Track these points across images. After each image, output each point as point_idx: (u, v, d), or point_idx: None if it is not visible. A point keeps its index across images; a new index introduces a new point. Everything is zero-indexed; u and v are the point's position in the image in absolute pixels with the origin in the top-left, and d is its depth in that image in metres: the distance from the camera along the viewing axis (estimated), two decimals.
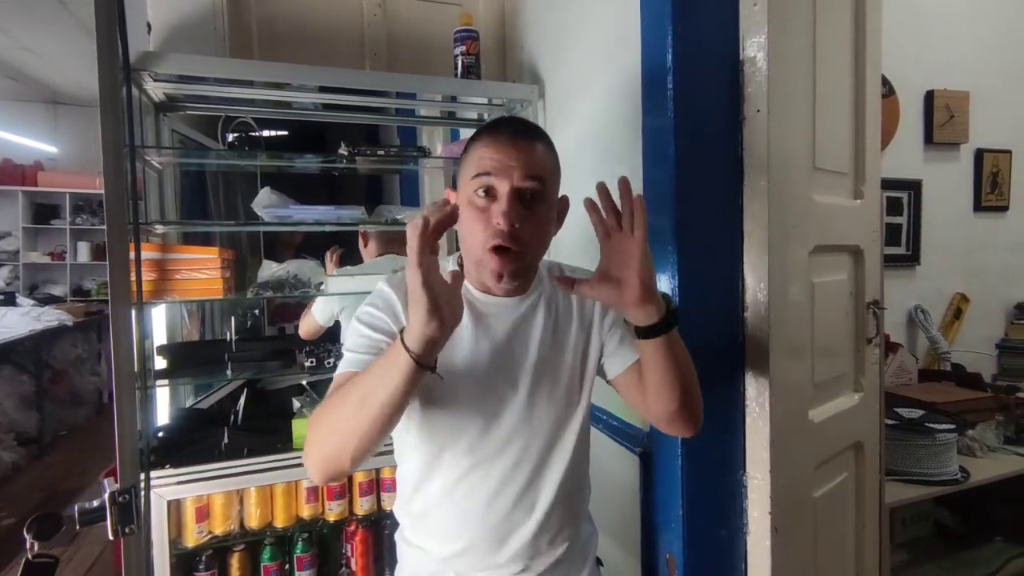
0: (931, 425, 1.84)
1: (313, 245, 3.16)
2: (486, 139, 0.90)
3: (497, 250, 0.86)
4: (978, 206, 2.56)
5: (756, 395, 1.19)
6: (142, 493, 0.94)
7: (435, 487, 0.96)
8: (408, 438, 0.99)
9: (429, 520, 0.99)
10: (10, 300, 4.88)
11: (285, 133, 3.77)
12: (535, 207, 0.89)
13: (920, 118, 2.47)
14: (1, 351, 4.03)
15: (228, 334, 1.61)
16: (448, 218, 0.72)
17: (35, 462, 4.16)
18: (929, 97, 2.46)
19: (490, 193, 0.87)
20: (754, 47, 1.15)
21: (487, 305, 0.97)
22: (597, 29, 1.44)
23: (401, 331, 0.74)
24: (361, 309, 0.97)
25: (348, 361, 0.90)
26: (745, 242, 1.19)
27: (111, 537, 0.93)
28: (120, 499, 0.93)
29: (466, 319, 0.94)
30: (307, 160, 1.71)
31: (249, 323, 2.67)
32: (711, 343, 1.19)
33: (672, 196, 1.14)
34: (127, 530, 0.93)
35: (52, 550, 1.05)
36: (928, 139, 2.47)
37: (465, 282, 0.97)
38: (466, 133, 1.99)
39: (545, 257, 1.05)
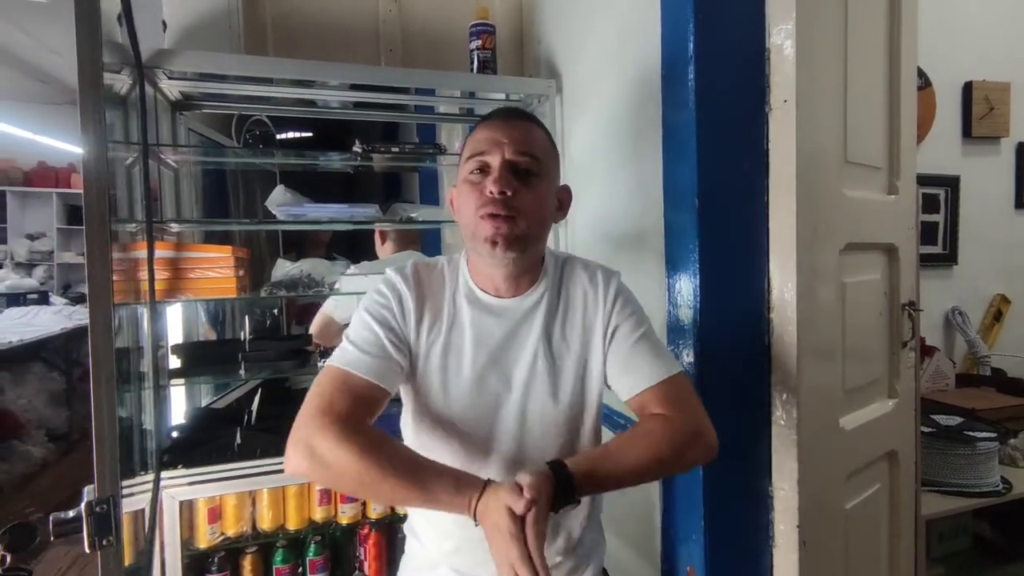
0: (970, 433, 1.75)
1: (341, 243, 3.17)
2: (479, 125, 0.93)
3: (489, 216, 0.86)
4: (1019, 203, 2.43)
5: (783, 402, 1.12)
6: (122, 502, 0.88)
7: None
8: (407, 429, 1.00)
9: (429, 520, 0.99)
10: (43, 299, 5.00)
11: (310, 134, 3.79)
12: (529, 181, 0.89)
13: (958, 111, 2.36)
14: (33, 348, 4.12)
15: (242, 334, 1.59)
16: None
17: (63, 458, 4.25)
18: (967, 89, 2.34)
19: (484, 170, 0.88)
20: (781, 34, 1.09)
21: (489, 305, 0.95)
22: (616, 20, 1.39)
23: (485, 486, 0.79)
24: (370, 297, 0.96)
25: (352, 357, 0.88)
26: (771, 240, 1.13)
27: (87, 550, 0.87)
28: (98, 509, 0.86)
29: (467, 320, 0.94)
30: (321, 158, 1.69)
31: (268, 322, 2.67)
32: (735, 347, 1.13)
33: (694, 192, 1.09)
34: (104, 542, 0.85)
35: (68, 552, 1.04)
36: (966, 133, 2.36)
37: (470, 281, 0.97)
38: None
39: (559, 251, 1.03)
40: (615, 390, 0.97)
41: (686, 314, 1.14)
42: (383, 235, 2.13)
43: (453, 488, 0.78)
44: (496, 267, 0.92)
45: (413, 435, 0.98)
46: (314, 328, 1.84)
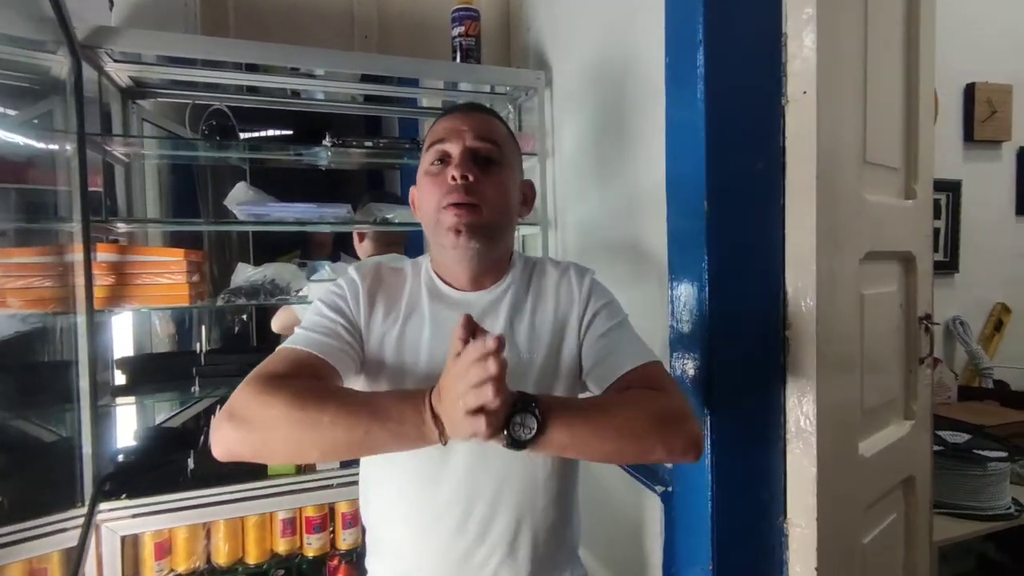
0: (981, 452, 1.65)
1: (349, 243, 2.99)
2: (438, 120, 0.90)
3: (452, 205, 0.82)
4: (1021, 209, 2.36)
5: (800, 429, 1.01)
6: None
7: (385, 499, 0.90)
8: None
9: (383, 538, 0.92)
10: None
11: (290, 132, 3.60)
12: (491, 169, 0.85)
13: (959, 114, 2.27)
14: None
15: (199, 345, 1.43)
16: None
17: None
18: (969, 91, 2.26)
19: (444, 159, 0.85)
20: (801, 19, 0.97)
21: (449, 297, 0.90)
22: (612, 3, 1.26)
23: (430, 394, 0.69)
24: (327, 288, 0.93)
25: (301, 338, 0.83)
26: (787, 248, 1.01)
27: None
28: None
29: (425, 311, 0.89)
30: (289, 153, 1.55)
31: (237, 330, 2.51)
32: (747, 367, 1.01)
33: (702, 194, 0.97)
34: None
35: None
36: (968, 136, 2.27)
37: (432, 275, 0.92)
38: None
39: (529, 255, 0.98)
40: (591, 383, 0.88)
41: (693, 330, 1.01)
42: (361, 235, 1.99)
43: (400, 399, 0.72)
44: (460, 260, 0.86)
45: None
46: (277, 321, 1.69)
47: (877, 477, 1.17)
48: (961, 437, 1.76)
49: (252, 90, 1.59)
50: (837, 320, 1.02)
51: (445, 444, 0.69)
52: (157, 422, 1.67)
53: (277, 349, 0.82)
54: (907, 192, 1.28)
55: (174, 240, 1.75)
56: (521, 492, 0.85)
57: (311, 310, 0.89)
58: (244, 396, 0.72)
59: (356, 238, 2.01)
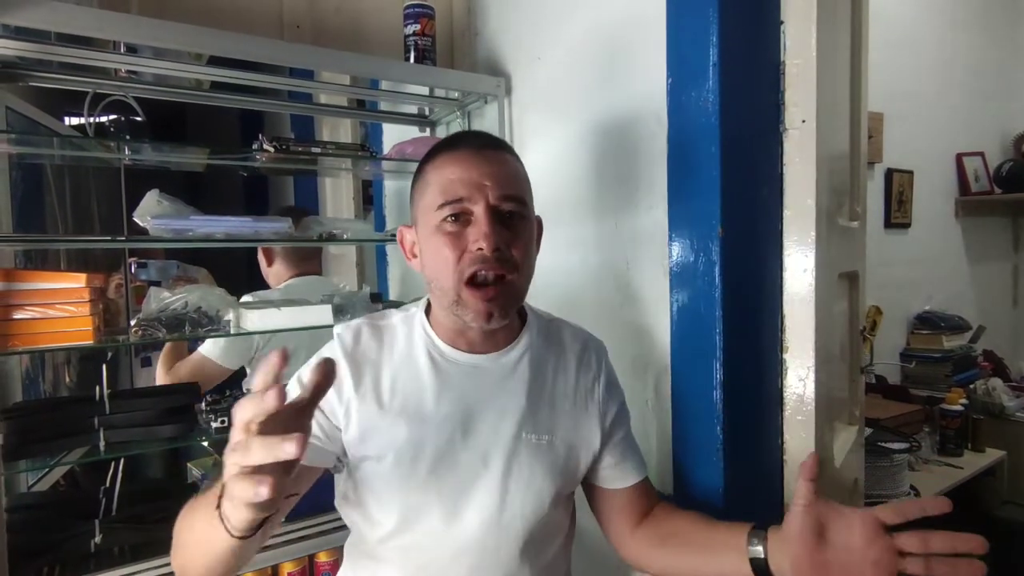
0: (886, 445, 1.84)
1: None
2: (445, 157, 0.78)
3: (477, 284, 0.75)
4: (888, 223, 2.69)
5: (798, 456, 1.03)
6: None
7: None
8: (351, 517, 0.85)
9: None
10: None
11: (140, 119, 3.11)
12: (516, 226, 0.77)
13: None
14: None
15: (98, 389, 1.16)
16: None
17: None
18: None
19: (461, 218, 0.75)
20: (801, 48, 0.99)
21: (458, 362, 0.81)
22: (596, 20, 1.21)
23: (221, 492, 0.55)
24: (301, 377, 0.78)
25: None
26: (786, 275, 1.03)
27: None
28: None
29: (428, 382, 0.80)
30: (210, 156, 1.32)
31: (104, 365, 2.12)
32: (751, 394, 1.01)
33: (717, 220, 0.95)
34: None
35: None
36: None
37: (434, 336, 0.82)
38: (405, 130, 1.69)
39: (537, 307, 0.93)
40: (599, 479, 0.90)
41: (700, 354, 1.00)
42: (269, 254, 1.73)
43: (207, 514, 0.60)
44: (479, 329, 0.79)
45: (359, 528, 0.84)
46: (184, 373, 1.44)
47: (842, 485, 1.24)
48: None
49: (146, 76, 1.31)
50: (829, 343, 1.06)
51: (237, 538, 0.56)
52: (28, 487, 1.35)
53: None
54: (852, 214, 1.37)
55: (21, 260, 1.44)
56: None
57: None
58: None
59: (263, 258, 1.76)
